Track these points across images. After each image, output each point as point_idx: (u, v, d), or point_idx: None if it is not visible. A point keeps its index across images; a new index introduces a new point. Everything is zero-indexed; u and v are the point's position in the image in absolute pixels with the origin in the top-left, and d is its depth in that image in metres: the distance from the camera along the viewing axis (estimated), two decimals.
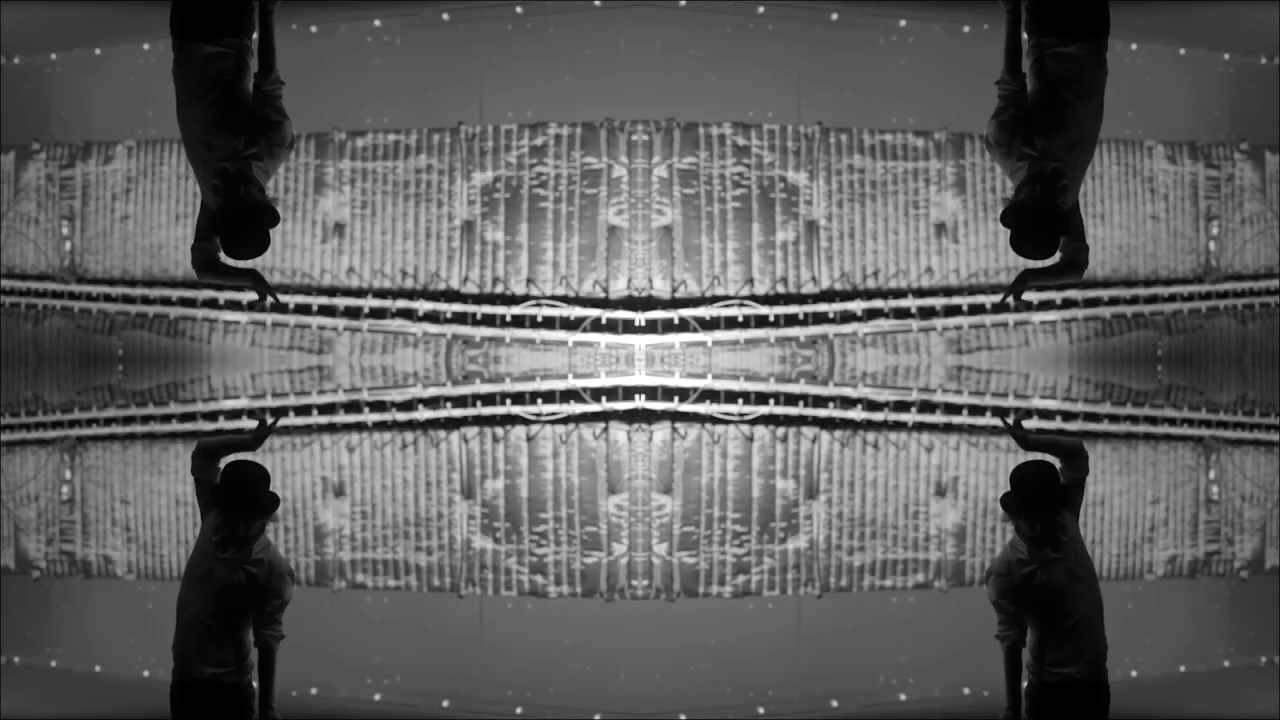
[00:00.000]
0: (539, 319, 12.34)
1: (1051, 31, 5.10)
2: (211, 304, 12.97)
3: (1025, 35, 5.19)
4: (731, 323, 12.35)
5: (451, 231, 12.57)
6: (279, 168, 5.27)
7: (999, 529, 5.44)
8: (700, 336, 12.26)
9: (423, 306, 12.53)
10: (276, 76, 5.16)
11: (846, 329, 12.55)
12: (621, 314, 12.17)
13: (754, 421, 9.20)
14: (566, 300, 12.29)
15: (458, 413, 9.91)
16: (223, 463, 7.26)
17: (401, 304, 12.58)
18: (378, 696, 3.41)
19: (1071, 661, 3.39)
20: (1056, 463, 7.32)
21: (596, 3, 12.17)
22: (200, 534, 5.10)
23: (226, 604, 3.92)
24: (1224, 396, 11.43)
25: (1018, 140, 5.04)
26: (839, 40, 12.56)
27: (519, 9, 12.36)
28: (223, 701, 3.18)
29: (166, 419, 9.37)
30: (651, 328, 12.17)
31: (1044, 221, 5.03)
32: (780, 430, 8.80)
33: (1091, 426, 8.89)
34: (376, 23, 12.62)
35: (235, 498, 5.96)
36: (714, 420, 9.26)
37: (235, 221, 5.06)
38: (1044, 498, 6.04)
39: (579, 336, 12.25)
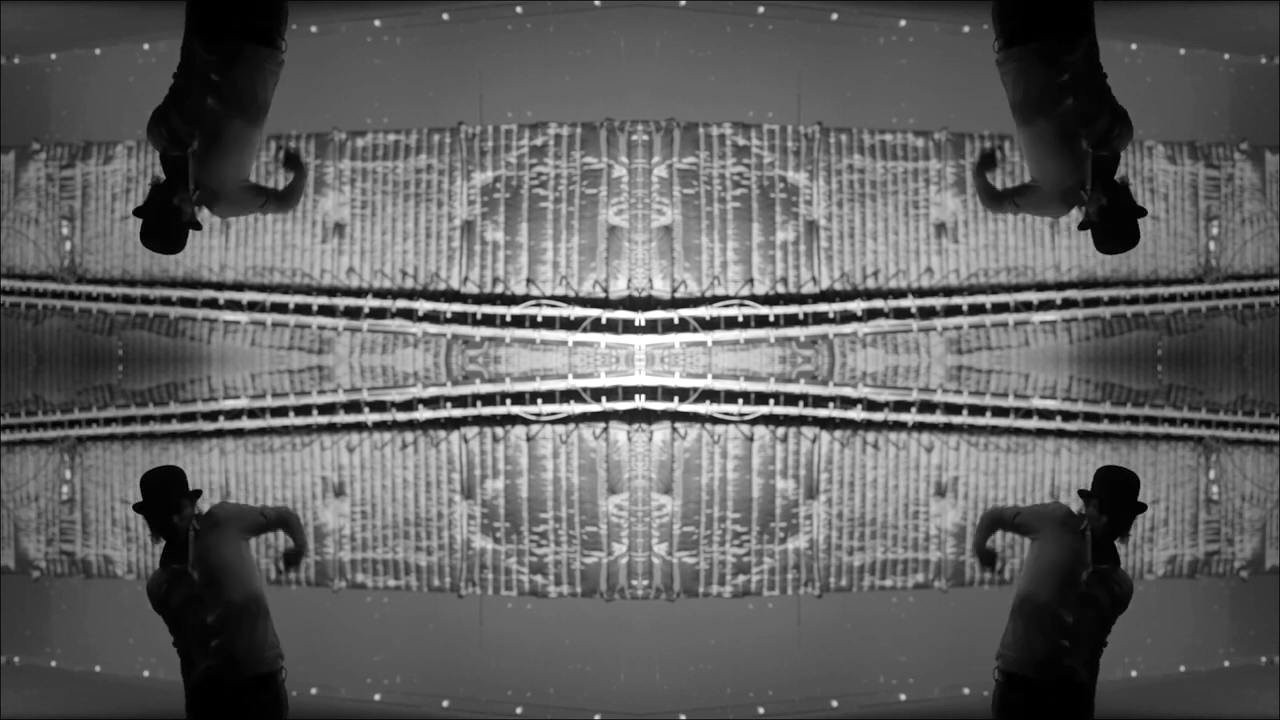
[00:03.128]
0: (539, 319, 12.34)
1: (1016, 43, 5.19)
2: (211, 304, 12.97)
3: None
4: (731, 323, 12.35)
5: (451, 231, 12.57)
6: (228, 214, 5.34)
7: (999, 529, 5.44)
8: (700, 336, 12.26)
9: (423, 306, 12.53)
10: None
11: (846, 329, 12.55)
12: (621, 314, 12.18)
13: (754, 421, 9.20)
14: (566, 300, 12.29)
15: (458, 413, 9.91)
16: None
17: (401, 304, 12.58)
18: (378, 696, 3.41)
19: (1031, 653, 3.39)
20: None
21: (596, 3, 12.17)
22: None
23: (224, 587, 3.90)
24: (1224, 396, 11.43)
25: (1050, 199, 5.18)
26: (839, 40, 12.56)
27: (519, 9, 12.36)
28: (256, 700, 3.19)
29: (166, 419, 9.37)
30: (651, 328, 12.17)
31: (1121, 230, 5.15)
32: (780, 430, 8.80)
33: (1091, 426, 8.89)
34: (376, 23, 12.62)
35: (156, 502, 5.99)
36: (714, 420, 9.26)
37: (158, 226, 5.14)
38: (1121, 494, 6.08)
39: (579, 336, 12.25)
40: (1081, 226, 5.34)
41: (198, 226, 5.26)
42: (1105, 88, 5.30)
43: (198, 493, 5.87)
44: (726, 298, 12.35)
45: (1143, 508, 6.11)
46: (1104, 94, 5.28)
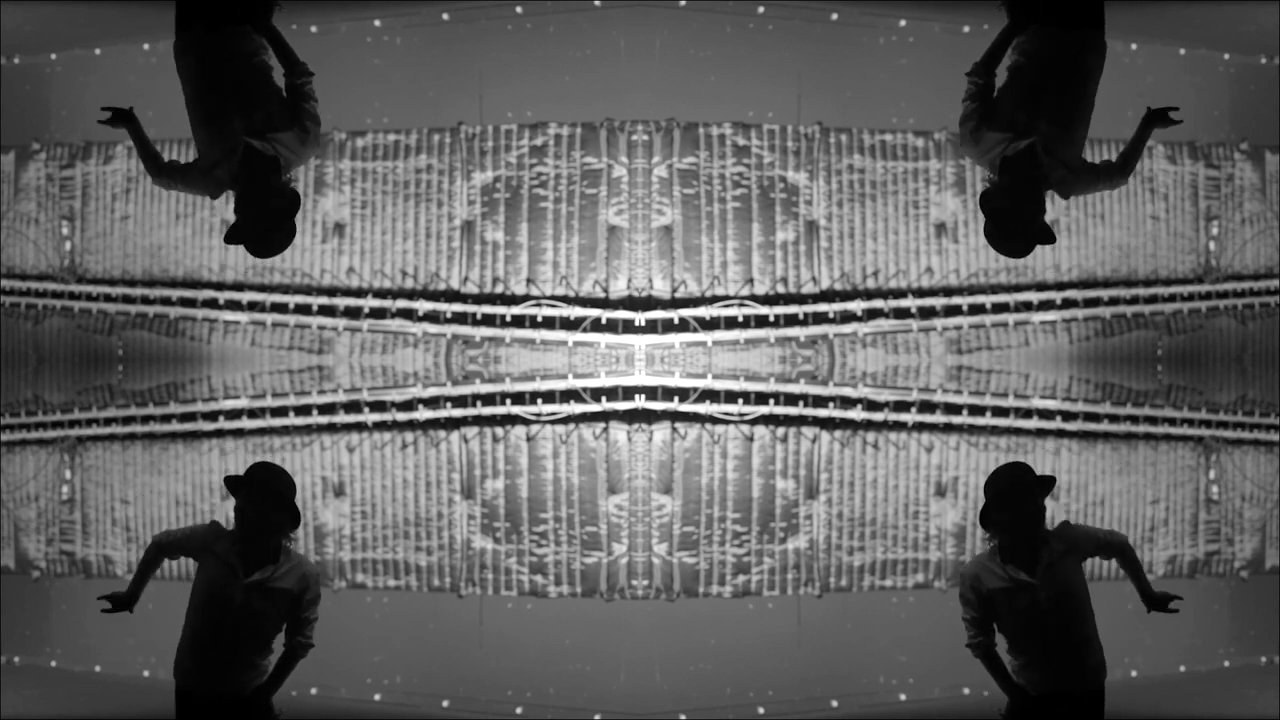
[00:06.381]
0: (539, 319, 12.34)
1: (1037, 20, 5.10)
2: (211, 304, 12.97)
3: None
4: (731, 323, 12.35)
5: (451, 231, 12.57)
6: (301, 164, 5.26)
7: None
8: (700, 336, 12.26)
9: (423, 306, 12.53)
10: (303, 69, 5.20)
11: (846, 329, 12.55)
12: (621, 314, 12.17)
13: (754, 421, 9.20)
14: (566, 300, 12.29)
15: (458, 413, 9.91)
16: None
17: (401, 304, 12.58)
18: (378, 696, 3.41)
19: (1047, 685, 3.35)
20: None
21: (596, 3, 12.17)
22: (207, 564, 4.82)
23: (258, 629, 3.79)
24: (1224, 396, 11.43)
25: (983, 128, 5.02)
26: (839, 40, 12.55)
27: (519, 9, 12.35)
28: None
29: (166, 419, 9.37)
30: (651, 328, 12.17)
31: (1013, 225, 5.00)
32: (780, 430, 8.80)
33: (1091, 426, 8.89)
34: (376, 23, 12.62)
35: (262, 500, 5.91)
36: (714, 420, 9.26)
37: (262, 227, 5.06)
38: (1017, 494, 6.03)
39: (579, 336, 12.25)
40: (981, 198, 5.12)
41: (298, 200, 5.13)
42: (1099, 169, 5.19)
43: (298, 518, 5.63)
44: (726, 298, 12.35)
45: (1047, 485, 6.07)
46: (1095, 172, 5.15)
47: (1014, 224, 4.99)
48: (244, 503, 5.77)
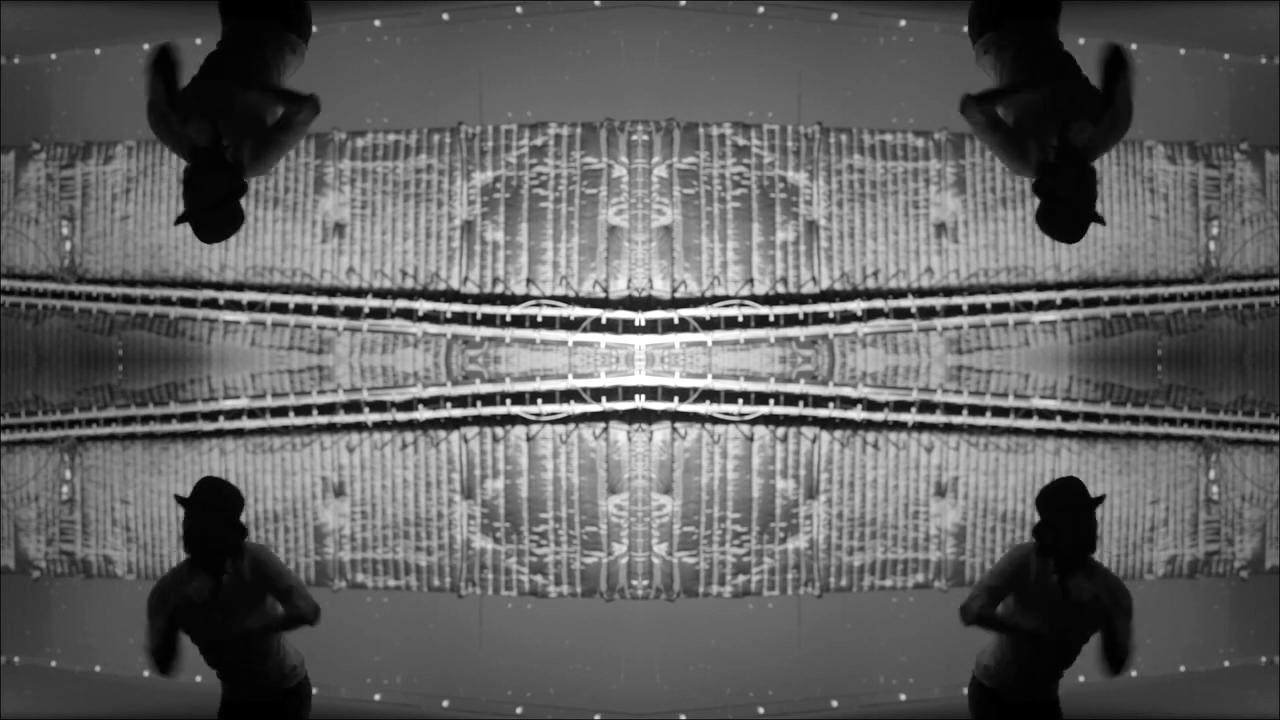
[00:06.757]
0: (539, 319, 12.34)
1: (993, 26, 5.22)
2: (211, 304, 12.97)
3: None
4: (731, 323, 12.35)
5: (451, 231, 12.57)
6: (256, 171, 5.31)
7: (999, 529, 5.44)
8: (700, 336, 12.26)
9: (423, 306, 12.53)
10: (297, 101, 5.24)
11: (846, 329, 12.55)
12: (621, 314, 12.17)
13: (754, 421, 9.20)
14: (566, 300, 12.29)
15: (458, 413, 9.91)
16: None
17: (401, 304, 12.58)
18: (378, 696, 3.41)
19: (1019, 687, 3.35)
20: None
21: (596, 3, 12.17)
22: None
23: (249, 641, 3.79)
24: (1224, 396, 11.43)
25: (1027, 141, 5.09)
26: (839, 40, 12.56)
27: (519, 9, 12.36)
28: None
29: (166, 419, 9.37)
30: (651, 328, 12.17)
31: (1083, 206, 5.10)
32: (780, 430, 8.80)
33: (1091, 426, 8.89)
34: (376, 23, 12.62)
35: (203, 517, 5.88)
36: (714, 420, 9.26)
37: (199, 208, 5.13)
38: (1073, 513, 6.01)
39: (579, 336, 12.25)
40: (1039, 189, 5.17)
41: (242, 189, 5.19)
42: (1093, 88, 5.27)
43: (244, 531, 5.60)
44: (726, 298, 12.35)
45: (1097, 502, 6.07)
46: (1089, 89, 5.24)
47: (1083, 206, 5.12)
48: (189, 521, 5.73)
